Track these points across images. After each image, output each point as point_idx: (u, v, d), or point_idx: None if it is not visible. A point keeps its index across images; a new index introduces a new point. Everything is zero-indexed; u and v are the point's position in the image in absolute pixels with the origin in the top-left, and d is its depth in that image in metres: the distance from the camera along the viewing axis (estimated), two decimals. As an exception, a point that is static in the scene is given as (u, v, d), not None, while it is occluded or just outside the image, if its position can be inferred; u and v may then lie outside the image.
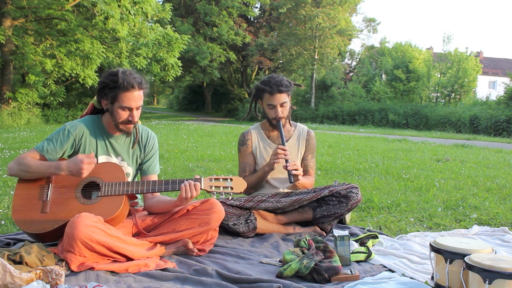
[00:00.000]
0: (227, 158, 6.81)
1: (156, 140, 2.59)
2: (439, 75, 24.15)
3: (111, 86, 2.23)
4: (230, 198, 2.67)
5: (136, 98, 2.26)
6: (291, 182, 2.74)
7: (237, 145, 3.07)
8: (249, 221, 2.77)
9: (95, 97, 2.40)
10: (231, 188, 2.31)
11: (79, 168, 2.15)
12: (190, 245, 2.37)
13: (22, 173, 2.25)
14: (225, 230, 2.77)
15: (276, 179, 2.98)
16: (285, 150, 2.74)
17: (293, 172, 2.71)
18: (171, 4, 21.20)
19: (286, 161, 2.73)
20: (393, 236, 2.87)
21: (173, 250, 2.39)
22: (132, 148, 2.47)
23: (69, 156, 2.37)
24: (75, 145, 2.35)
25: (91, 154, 2.23)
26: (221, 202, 2.57)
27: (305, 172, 3.03)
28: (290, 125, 3.08)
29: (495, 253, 1.85)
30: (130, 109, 2.28)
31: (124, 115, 2.29)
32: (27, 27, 16.01)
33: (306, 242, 2.30)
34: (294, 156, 3.01)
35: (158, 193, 2.50)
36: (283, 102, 2.85)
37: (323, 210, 2.85)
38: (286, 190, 2.94)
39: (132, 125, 2.36)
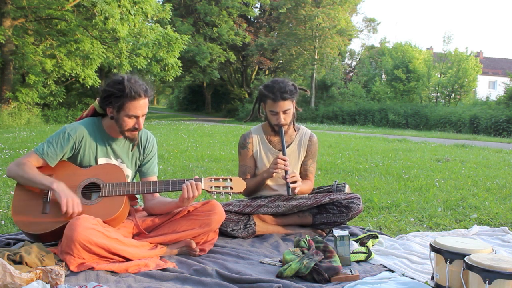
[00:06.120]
0: (227, 158, 6.81)
1: (155, 142, 2.59)
2: (439, 75, 24.15)
3: (118, 95, 2.22)
4: (230, 198, 2.66)
5: (142, 106, 2.28)
6: (288, 195, 2.70)
7: (238, 147, 3.00)
8: (248, 225, 2.75)
9: (96, 101, 2.40)
10: (231, 188, 2.32)
11: (61, 201, 2.12)
12: (194, 245, 2.37)
13: (19, 178, 2.25)
14: (224, 234, 2.75)
15: (276, 184, 2.93)
16: (285, 161, 2.68)
17: (292, 185, 2.65)
18: (171, 4, 21.22)
19: (286, 172, 2.67)
20: (393, 236, 2.87)
21: (176, 251, 2.40)
22: (131, 150, 2.47)
23: (69, 159, 2.38)
24: (75, 148, 2.35)
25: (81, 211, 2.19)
26: None
27: (304, 177, 2.97)
28: (294, 129, 2.98)
29: (495, 253, 1.85)
30: (136, 117, 2.29)
31: (130, 123, 2.29)
32: (27, 27, 16.00)
33: (306, 242, 2.30)
34: (294, 161, 2.95)
35: (158, 194, 2.50)
36: (286, 110, 2.74)
37: (323, 217, 2.85)
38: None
39: (138, 132, 2.37)
